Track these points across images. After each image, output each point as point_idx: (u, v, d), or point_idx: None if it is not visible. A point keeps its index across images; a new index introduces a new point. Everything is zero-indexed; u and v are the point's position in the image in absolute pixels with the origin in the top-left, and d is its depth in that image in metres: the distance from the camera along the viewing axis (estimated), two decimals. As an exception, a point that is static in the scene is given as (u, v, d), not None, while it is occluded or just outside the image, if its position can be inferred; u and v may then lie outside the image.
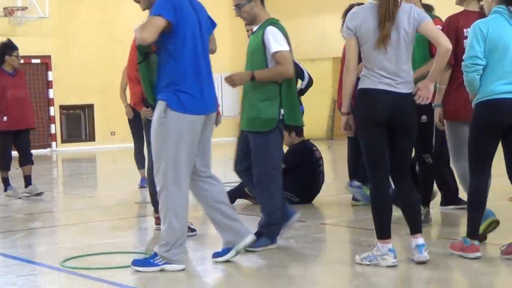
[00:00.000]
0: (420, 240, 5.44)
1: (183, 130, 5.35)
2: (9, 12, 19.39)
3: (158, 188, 5.47)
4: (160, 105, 5.40)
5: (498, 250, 5.80)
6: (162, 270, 5.44)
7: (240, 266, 5.65)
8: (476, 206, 5.55)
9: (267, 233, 6.12)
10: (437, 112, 6.42)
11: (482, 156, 5.54)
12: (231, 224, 5.66)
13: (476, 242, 5.53)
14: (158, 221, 7.09)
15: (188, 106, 5.36)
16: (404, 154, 5.48)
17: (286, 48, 6.11)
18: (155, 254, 5.50)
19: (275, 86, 6.04)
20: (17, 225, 7.98)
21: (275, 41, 6.04)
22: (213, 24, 5.76)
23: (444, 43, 5.25)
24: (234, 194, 8.80)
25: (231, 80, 6.03)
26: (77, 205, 9.59)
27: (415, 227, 5.47)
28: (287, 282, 5.26)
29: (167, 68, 5.41)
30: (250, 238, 5.69)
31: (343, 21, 7.13)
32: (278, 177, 6.12)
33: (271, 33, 6.06)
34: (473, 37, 5.42)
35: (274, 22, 6.15)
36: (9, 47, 10.12)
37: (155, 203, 6.92)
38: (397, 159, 5.47)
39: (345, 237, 6.79)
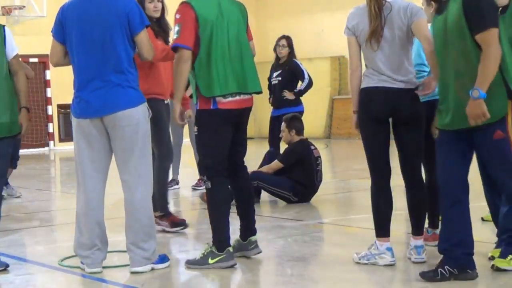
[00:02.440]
0: (419, 241, 5.46)
1: (76, 133, 5.52)
2: (6, 11, 19.36)
3: None
4: None
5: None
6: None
7: (237, 266, 5.64)
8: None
9: None
10: None
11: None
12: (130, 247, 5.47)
13: (436, 231, 5.81)
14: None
15: (73, 110, 5.51)
16: (412, 150, 5.44)
17: None
18: None
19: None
20: (14, 224, 7.97)
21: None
22: (138, 25, 5.36)
23: (425, 45, 5.26)
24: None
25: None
26: (74, 204, 9.52)
27: (418, 228, 5.50)
28: (285, 281, 5.27)
29: None
30: (140, 268, 5.45)
31: None
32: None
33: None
34: (419, 46, 5.72)
35: None
36: None
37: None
38: (407, 156, 5.46)
39: (343, 236, 6.79)
